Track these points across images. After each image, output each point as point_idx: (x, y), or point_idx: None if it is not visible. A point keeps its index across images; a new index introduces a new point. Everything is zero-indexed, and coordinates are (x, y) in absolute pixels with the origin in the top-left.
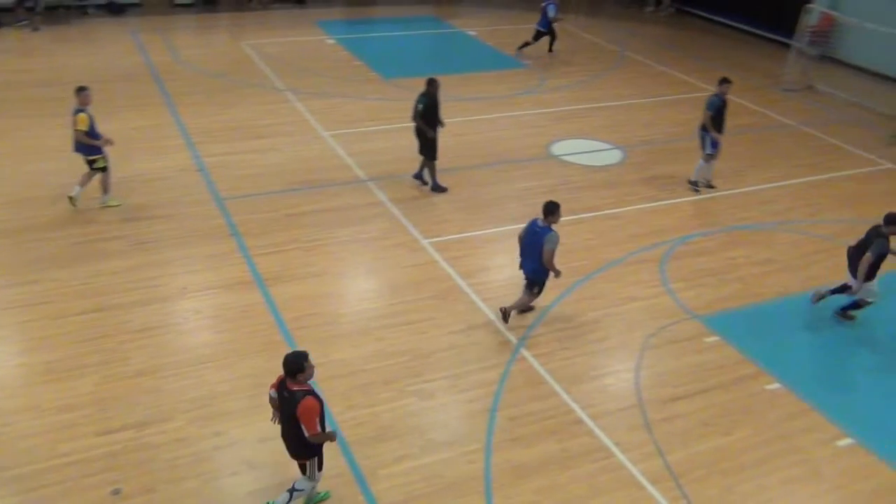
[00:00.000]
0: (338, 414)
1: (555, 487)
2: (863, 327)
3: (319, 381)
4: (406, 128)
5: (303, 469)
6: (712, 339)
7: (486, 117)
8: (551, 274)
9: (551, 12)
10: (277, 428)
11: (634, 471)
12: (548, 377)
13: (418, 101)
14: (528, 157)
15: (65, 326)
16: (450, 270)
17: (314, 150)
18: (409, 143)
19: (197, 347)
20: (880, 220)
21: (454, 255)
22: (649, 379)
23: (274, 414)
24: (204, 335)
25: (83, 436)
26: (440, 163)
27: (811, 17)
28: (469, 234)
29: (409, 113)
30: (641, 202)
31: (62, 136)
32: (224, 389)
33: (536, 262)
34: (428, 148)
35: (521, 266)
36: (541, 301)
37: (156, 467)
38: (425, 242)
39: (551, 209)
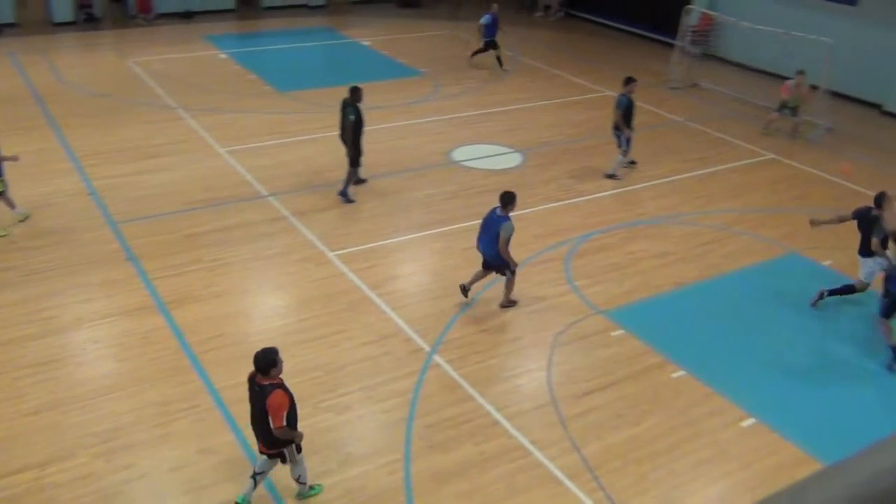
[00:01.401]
0: (251, 435)
1: (475, 490)
2: (758, 312)
3: (229, 403)
4: (307, 140)
5: (282, 459)
6: (618, 332)
7: (385, 126)
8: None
9: (484, 20)
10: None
11: (552, 467)
12: (462, 382)
13: (348, 112)
14: (430, 164)
15: None
16: (358, 282)
17: (211, 167)
18: (310, 155)
19: (98, 378)
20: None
21: (361, 267)
22: (561, 376)
23: None
24: (105, 365)
25: None
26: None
27: (691, 18)
28: (375, 244)
29: (338, 124)
30: (543, 203)
31: None
32: (130, 420)
33: (493, 248)
34: (356, 157)
35: (481, 250)
36: (450, 306)
37: None
38: (332, 255)
39: (508, 199)
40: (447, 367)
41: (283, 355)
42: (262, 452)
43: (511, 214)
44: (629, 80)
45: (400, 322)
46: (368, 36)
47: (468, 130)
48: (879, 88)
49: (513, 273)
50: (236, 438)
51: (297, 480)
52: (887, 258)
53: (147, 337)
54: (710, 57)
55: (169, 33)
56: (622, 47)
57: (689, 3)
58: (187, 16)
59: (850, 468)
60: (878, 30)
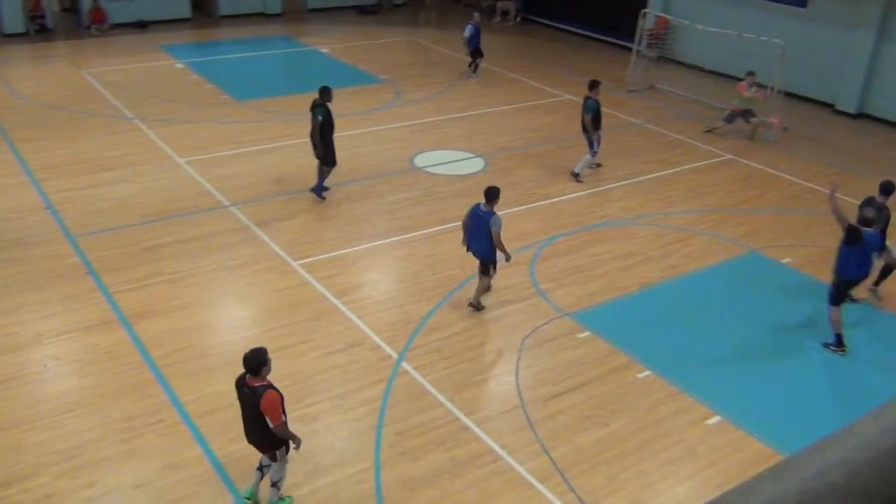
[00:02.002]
0: (219, 449)
1: (446, 497)
2: (721, 310)
3: (195, 417)
4: (267, 149)
5: (273, 458)
6: (584, 334)
7: (346, 134)
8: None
9: (467, 32)
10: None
11: (522, 471)
12: (430, 388)
13: (318, 112)
14: (393, 171)
15: None
16: (323, 291)
17: (170, 178)
18: (270, 164)
19: (60, 395)
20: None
21: (327, 275)
22: (529, 379)
23: None
24: (66, 382)
25: None
26: (308, 181)
27: (647, 21)
28: (340, 252)
29: (309, 125)
30: (506, 207)
31: None
32: (93, 437)
33: (485, 244)
34: (326, 158)
35: (469, 248)
36: (417, 312)
37: None
38: (296, 264)
39: (493, 194)
40: (415, 374)
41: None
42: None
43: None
44: (595, 84)
45: (367, 330)
46: (327, 44)
47: (430, 136)
48: (831, 88)
49: (495, 270)
50: (203, 452)
51: (274, 485)
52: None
53: (109, 352)
54: (666, 60)
55: (124, 43)
56: (579, 51)
57: (644, 7)
58: (142, 25)
59: (801, 463)
60: (827, 30)
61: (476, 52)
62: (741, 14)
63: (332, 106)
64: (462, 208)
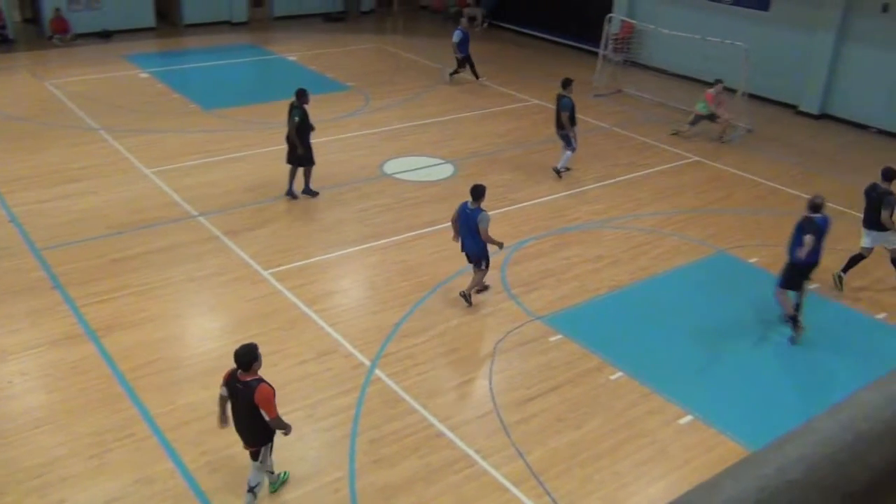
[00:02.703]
0: (191, 462)
1: (422, 503)
2: (691, 310)
3: (166, 430)
4: (235, 158)
5: (255, 456)
6: (556, 337)
7: (315, 142)
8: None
9: (455, 37)
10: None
11: (497, 475)
12: (404, 395)
13: (294, 114)
14: (362, 178)
15: None
16: (294, 300)
17: (137, 189)
18: (239, 174)
19: (27, 412)
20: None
21: (297, 284)
22: (502, 383)
23: (222, 417)
24: (33, 398)
25: None
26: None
27: (613, 26)
28: (310, 260)
29: (285, 127)
30: None
31: None
32: (62, 453)
33: (476, 241)
34: (306, 158)
35: (463, 247)
36: (390, 319)
37: None
38: (266, 274)
39: (479, 192)
40: (389, 381)
41: (218, 378)
42: (251, 453)
43: (442, 226)
44: (569, 82)
45: (339, 338)
46: (294, 51)
47: (399, 143)
48: (794, 89)
49: (488, 265)
50: (175, 466)
51: (251, 490)
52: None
53: (77, 366)
54: (632, 64)
55: (87, 53)
56: (547, 57)
57: (610, 12)
58: (105, 35)
59: (761, 460)
60: (789, 33)
61: (465, 60)
62: (705, 18)
63: (308, 108)
64: (432, 214)
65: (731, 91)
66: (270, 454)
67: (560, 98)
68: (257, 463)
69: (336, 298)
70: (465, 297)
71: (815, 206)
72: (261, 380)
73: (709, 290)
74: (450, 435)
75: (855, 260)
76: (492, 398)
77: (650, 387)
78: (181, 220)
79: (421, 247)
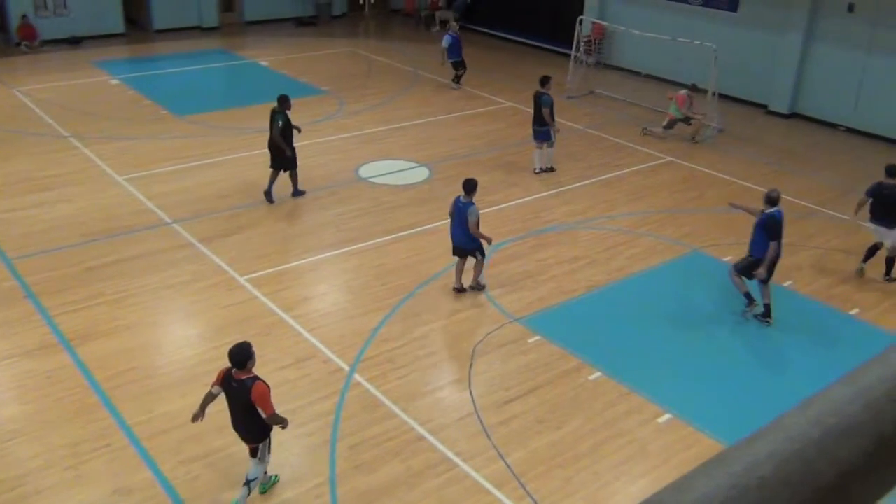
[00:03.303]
0: (170, 471)
1: None
2: (667, 309)
3: (143, 439)
4: (208, 164)
5: (253, 453)
6: (535, 338)
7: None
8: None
9: (445, 42)
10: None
11: (478, 478)
12: (384, 399)
13: (277, 119)
14: (338, 183)
15: None
16: (271, 305)
17: (110, 196)
18: (213, 179)
19: (0, 424)
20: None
21: (274, 290)
22: (482, 386)
23: (200, 411)
24: (7, 409)
25: None
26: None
27: (584, 28)
28: (287, 266)
29: (268, 131)
30: None
31: None
32: (37, 465)
33: (466, 233)
34: (291, 161)
35: (452, 236)
36: (368, 324)
37: None
38: (242, 280)
39: (472, 186)
40: (368, 386)
41: (196, 385)
42: (250, 449)
43: (419, 229)
44: (547, 79)
45: (317, 343)
46: (266, 56)
47: (374, 147)
48: (764, 89)
49: (483, 255)
50: (153, 475)
51: (247, 483)
52: None
53: (51, 376)
54: (604, 65)
55: (56, 60)
56: (520, 59)
57: (581, 14)
58: (74, 42)
59: (731, 458)
60: (758, 34)
61: (459, 64)
62: (675, 19)
63: (290, 114)
64: (409, 217)
65: (702, 91)
66: (269, 452)
67: (540, 95)
68: (256, 459)
69: (313, 303)
70: (475, 287)
71: (773, 200)
72: (256, 378)
73: (684, 289)
74: (430, 438)
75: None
76: (472, 400)
77: (628, 386)
78: (155, 228)
79: (398, 250)
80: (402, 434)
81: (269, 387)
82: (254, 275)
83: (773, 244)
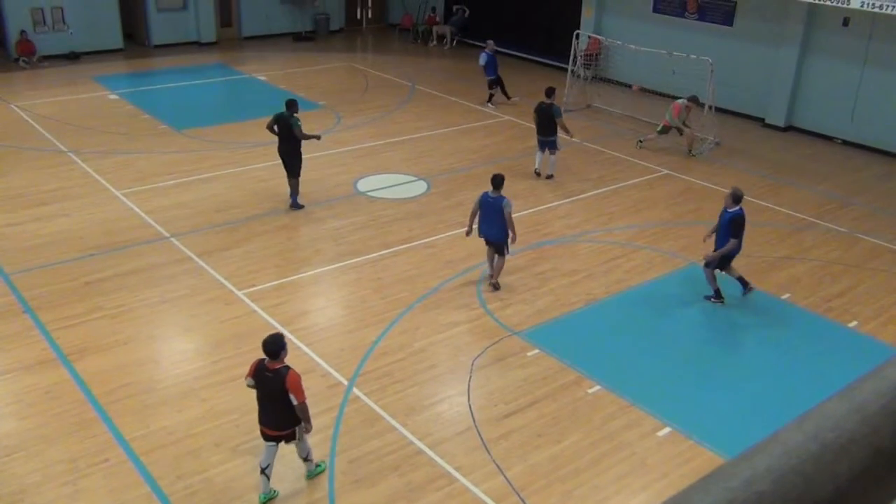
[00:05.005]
0: (167, 486)
1: None
2: (666, 322)
3: (141, 454)
4: (207, 178)
5: (290, 438)
6: (534, 352)
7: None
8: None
9: (481, 60)
10: None
11: (478, 492)
12: (382, 413)
13: (294, 123)
14: (336, 197)
15: None
16: (270, 320)
17: (109, 211)
18: (211, 194)
19: None
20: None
21: (272, 304)
22: (481, 399)
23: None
24: (5, 425)
25: None
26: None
27: (581, 42)
28: (285, 279)
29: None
30: (451, 229)
31: None
32: (35, 480)
33: (500, 227)
34: (297, 167)
35: (483, 233)
36: (366, 338)
37: None
38: (240, 294)
39: (500, 181)
40: (367, 400)
41: (194, 400)
42: (269, 438)
43: (417, 243)
44: (553, 91)
45: (315, 357)
46: (264, 71)
47: (371, 160)
48: (760, 103)
49: (508, 251)
50: (151, 490)
51: (305, 459)
52: None
53: (49, 391)
54: (600, 79)
55: (55, 75)
56: (516, 73)
57: (578, 29)
58: (73, 57)
59: (729, 472)
60: (754, 47)
61: (495, 82)
62: (671, 33)
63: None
64: (407, 231)
65: (700, 105)
66: (307, 432)
67: (550, 106)
68: (296, 440)
69: (312, 318)
70: (494, 285)
71: (739, 198)
72: (289, 367)
73: (683, 302)
74: (429, 453)
75: None
76: (471, 414)
77: (628, 399)
78: (154, 242)
79: (396, 264)
80: (401, 448)
81: (300, 376)
82: (252, 289)
83: (734, 241)
